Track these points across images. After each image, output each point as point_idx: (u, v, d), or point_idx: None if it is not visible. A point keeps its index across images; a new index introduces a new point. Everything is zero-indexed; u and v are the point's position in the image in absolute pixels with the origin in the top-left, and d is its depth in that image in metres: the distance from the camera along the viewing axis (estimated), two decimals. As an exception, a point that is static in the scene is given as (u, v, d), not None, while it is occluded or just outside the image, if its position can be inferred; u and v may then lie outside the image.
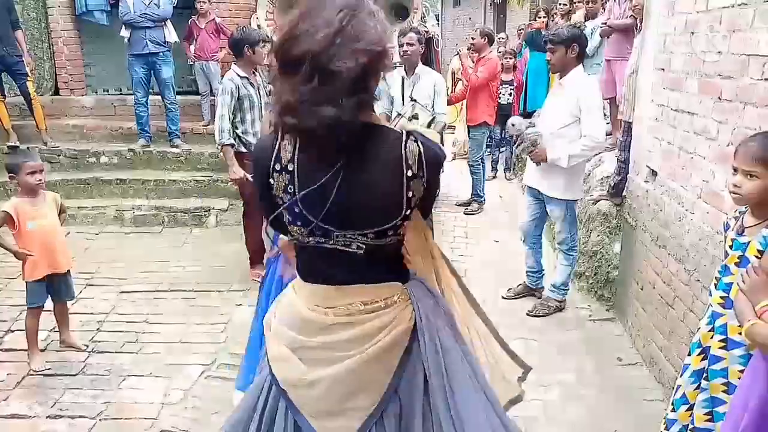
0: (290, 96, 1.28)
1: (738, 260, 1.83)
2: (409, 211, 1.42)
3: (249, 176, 4.35)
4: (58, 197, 3.49)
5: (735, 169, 1.84)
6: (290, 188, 1.41)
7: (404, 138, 1.39)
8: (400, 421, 1.48)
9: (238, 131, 4.37)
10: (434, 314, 1.53)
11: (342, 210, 1.38)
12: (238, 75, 4.31)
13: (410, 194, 1.40)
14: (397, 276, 1.53)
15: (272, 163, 1.41)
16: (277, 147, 1.41)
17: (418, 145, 1.39)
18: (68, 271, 3.48)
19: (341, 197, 1.37)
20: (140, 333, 3.78)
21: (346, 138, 1.33)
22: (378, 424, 1.47)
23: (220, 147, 4.39)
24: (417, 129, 1.45)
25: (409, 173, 1.38)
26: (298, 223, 1.43)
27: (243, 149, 4.40)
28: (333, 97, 1.26)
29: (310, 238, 1.44)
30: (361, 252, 1.44)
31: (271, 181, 1.42)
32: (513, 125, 3.91)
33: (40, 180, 3.28)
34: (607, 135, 5.70)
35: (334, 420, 1.48)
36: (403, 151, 1.37)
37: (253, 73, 4.45)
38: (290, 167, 1.40)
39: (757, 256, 1.74)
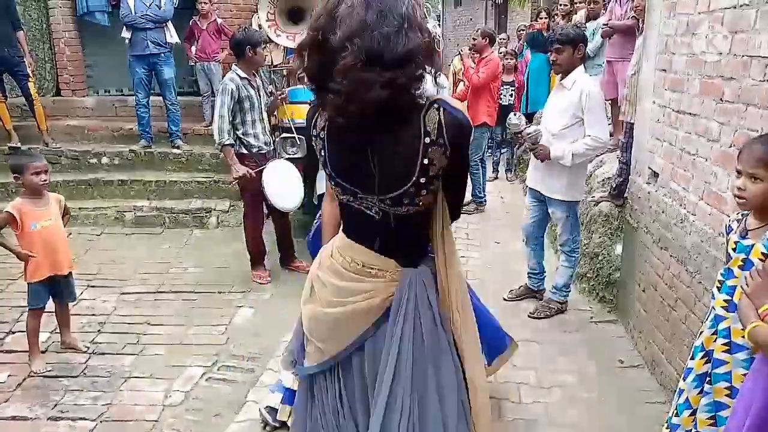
0: (342, 80, 1.32)
1: (742, 263, 1.82)
2: (423, 178, 1.45)
3: (252, 171, 4.36)
4: (61, 199, 3.49)
5: (739, 172, 1.82)
6: (322, 152, 1.56)
7: (426, 105, 1.43)
8: (362, 373, 1.65)
9: (239, 132, 4.37)
10: (421, 304, 1.58)
11: (365, 175, 1.49)
12: (239, 76, 4.31)
13: (426, 161, 1.43)
14: (402, 254, 1.60)
15: (311, 130, 1.58)
16: (316, 116, 1.56)
17: (438, 112, 1.41)
18: (70, 272, 3.48)
19: (365, 163, 1.48)
20: (141, 334, 3.79)
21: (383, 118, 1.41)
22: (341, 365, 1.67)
23: (219, 147, 4.38)
24: (443, 97, 1.47)
25: (427, 140, 1.42)
26: (333, 183, 1.59)
27: (244, 150, 4.40)
28: (385, 82, 1.31)
29: (343, 197, 1.60)
30: (378, 218, 1.55)
31: (314, 144, 1.60)
32: (512, 121, 3.91)
33: (45, 180, 3.28)
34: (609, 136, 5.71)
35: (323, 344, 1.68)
36: (422, 118, 1.41)
37: (254, 74, 4.45)
38: (322, 135, 1.54)
39: (761, 259, 1.73)
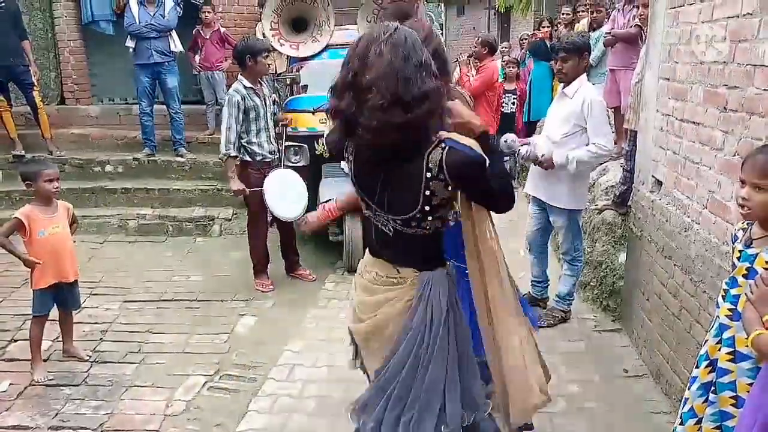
0: (368, 118, 1.57)
1: (746, 272, 1.81)
2: (428, 206, 1.69)
3: (248, 190, 4.37)
4: (70, 207, 3.50)
5: (743, 182, 1.81)
6: (351, 171, 1.82)
7: (434, 143, 1.65)
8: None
9: (243, 141, 4.39)
10: (434, 298, 1.80)
11: (381, 195, 1.74)
12: (244, 86, 4.34)
13: (428, 192, 1.67)
14: (419, 263, 1.83)
15: (343, 149, 1.84)
16: (347, 143, 1.80)
17: (442, 152, 1.64)
18: (75, 280, 3.48)
19: (381, 186, 1.73)
20: (143, 343, 3.78)
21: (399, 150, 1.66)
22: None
23: (223, 158, 4.40)
24: (452, 136, 1.68)
25: (428, 174, 1.65)
26: (360, 198, 1.85)
27: (248, 158, 4.42)
28: (403, 123, 1.55)
29: (366, 211, 1.86)
30: (391, 234, 1.80)
31: (345, 164, 1.89)
32: (506, 142, 3.86)
33: (57, 188, 3.31)
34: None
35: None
36: (426, 156, 1.64)
37: (259, 83, 4.47)
38: (350, 157, 1.81)
39: (766, 268, 1.72)
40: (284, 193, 4.43)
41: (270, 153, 4.50)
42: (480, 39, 6.74)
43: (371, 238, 1.91)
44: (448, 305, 1.81)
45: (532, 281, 4.17)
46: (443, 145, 1.64)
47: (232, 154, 4.33)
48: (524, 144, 3.80)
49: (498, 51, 7.90)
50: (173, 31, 6.43)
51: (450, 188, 1.68)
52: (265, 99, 4.47)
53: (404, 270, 1.82)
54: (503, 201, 1.82)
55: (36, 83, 6.33)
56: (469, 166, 1.66)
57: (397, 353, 1.82)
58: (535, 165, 3.74)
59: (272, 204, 4.36)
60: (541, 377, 2.06)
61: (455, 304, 1.86)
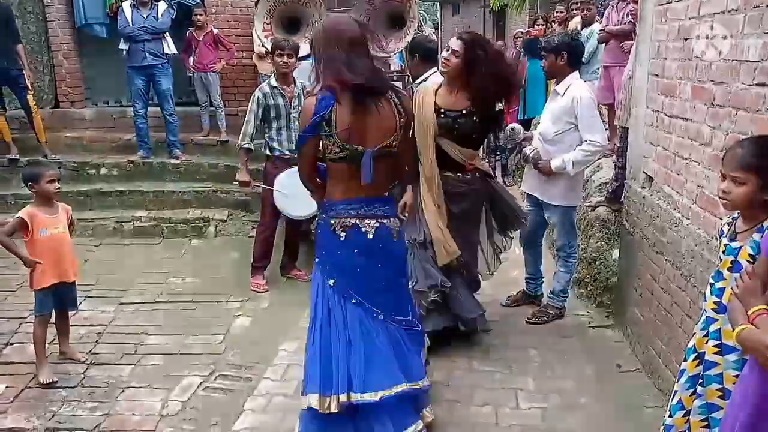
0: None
1: (731, 265, 1.83)
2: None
3: (253, 183, 4.57)
4: (69, 209, 3.55)
5: (724, 176, 1.84)
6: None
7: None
8: None
9: (266, 137, 4.58)
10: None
11: None
12: (270, 85, 4.47)
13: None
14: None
15: None
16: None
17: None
18: (74, 281, 3.51)
19: None
20: (139, 345, 3.79)
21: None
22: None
23: (238, 148, 4.61)
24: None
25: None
26: None
27: (268, 152, 4.60)
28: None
29: None
30: None
31: None
32: (511, 131, 3.89)
33: (58, 188, 3.39)
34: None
35: None
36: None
37: (292, 83, 4.53)
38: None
39: (749, 261, 1.74)
40: (294, 193, 4.42)
41: (290, 151, 4.53)
42: None
43: None
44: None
45: (526, 278, 4.19)
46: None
47: (245, 146, 4.50)
48: (527, 137, 3.83)
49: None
50: (167, 33, 6.43)
51: None
52: (292, 99, 4.51)
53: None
54: None
55: (30, 87, 6.31)
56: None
57: None
58: (534, 168, 3.76)
59: (281, 204, 4.40)
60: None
61: None
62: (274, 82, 4.46)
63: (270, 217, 4.65)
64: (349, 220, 2.50)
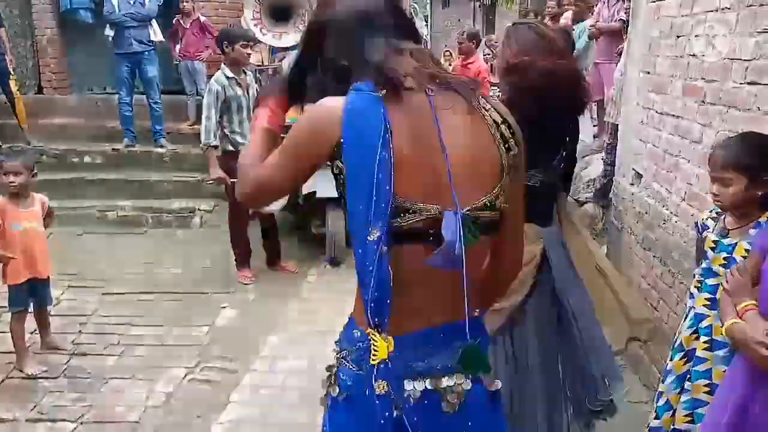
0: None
1: (724, 261, 1.83)
2: None
3: (229, 179, 4.31)
4: (46, 200, 3.42)
5: (713, 179, 1.85)
6: None
7: None
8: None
9: (226, 131, 4.36)
10: None
11: None
12: (226, 76, 4.30)
13: None
14: None
15: None
16: None
17: None
18: (48, 277, 3.41)
19: None
20: (123, 335, 3.74)
21: None
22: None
23: (204, 147, 4.36)
24: None
25: None
26: None
27: (230, 148, 4.39)
28: None
29: None
30: None
31: None
32: None
33: (13, 183, 3.17)
34: (594, 137, 5.74)
35: None
36: None
37: (243, 73, 4.42)
38: None
39: (745, 257, 1.75)
40: None
41: None
42: (466, 33, 6.70)
43: None
44: None
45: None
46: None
47: (212, 144, 4.30)
48: None
49: (482, 43, 7.90)
50: (154, 20, 6.34)
51: None
52: (248, 89, 4.42)
53: None
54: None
55: (12, 72, 6.20)
56: None
57: None
58: None
59: None
60: None
61: None
62: (229, 73, 4.30)
63: (241, 212, 4.47)
64: (420, 382, 1.15)
